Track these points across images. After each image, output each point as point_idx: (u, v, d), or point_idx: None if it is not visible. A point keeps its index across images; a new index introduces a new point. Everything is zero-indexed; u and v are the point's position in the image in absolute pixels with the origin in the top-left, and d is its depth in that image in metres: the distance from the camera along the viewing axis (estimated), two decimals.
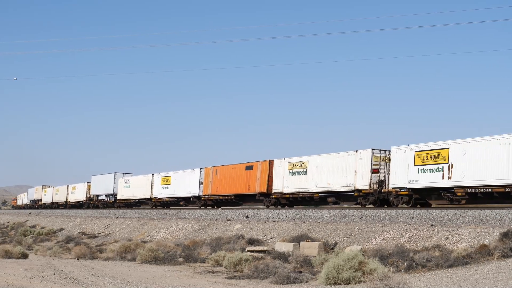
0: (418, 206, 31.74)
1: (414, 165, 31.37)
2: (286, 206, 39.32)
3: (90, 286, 15.42)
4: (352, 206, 34.91)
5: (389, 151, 33.75)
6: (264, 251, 22.72)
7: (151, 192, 57.32)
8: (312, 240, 23.23)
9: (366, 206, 33.68)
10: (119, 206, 62.63)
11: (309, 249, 21.79)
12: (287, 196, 39.81)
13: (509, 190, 26.91)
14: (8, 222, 67.02)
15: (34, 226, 53.79)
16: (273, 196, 40.82)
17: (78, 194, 75.54)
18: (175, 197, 53.41)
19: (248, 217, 33.49)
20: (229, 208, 44.08)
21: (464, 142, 29.48)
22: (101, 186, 67.86)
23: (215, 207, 48.42)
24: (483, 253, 16.27)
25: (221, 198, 47.21)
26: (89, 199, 71.25)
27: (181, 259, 22.62)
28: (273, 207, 38.00)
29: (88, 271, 18.76)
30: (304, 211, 32.51)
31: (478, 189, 28.24)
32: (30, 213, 76.02)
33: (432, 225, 21.61)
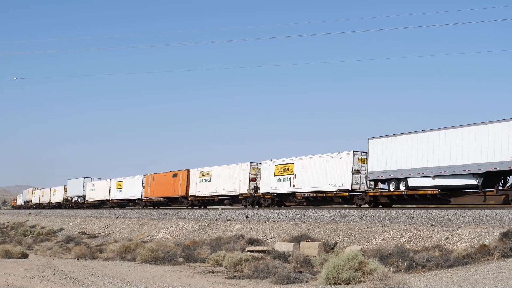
0: (276, 206, 41.21)
1: (274, 175, 41.28)
2: (202, 207, 48.84)
3: (90, 286, 15.42)
4: (351, 207, 35.35)
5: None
6: (264, 251, 22.72)
7: (109, 194, 66.97)
8: (312, 240, 23.23)
9: (247, 206, 43.20)
10: (87, 207, 71.90)
11: (309, 249, 21.78)
12: (198, 198, 50.33)
13: (326, 195, 37.19)
14: (8, 222, 67.00)
15: (34, 226, 53.78)
16: (189, 199, 51.15)
17: (58, 196, 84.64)
18: (125, 199, 63.60)
19: (248, 217, 33.50)
20: (229, 208, 44.29)
21: (303, 158, 39.50)
22: (74, 189, 77.47)
23: (155, 207, 57.71)
24: (483, 253, 16.26)
25: (155, 200, 57.29)
26: (66, 200, 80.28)
27: (181, 259, 22.62)
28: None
29: (88, 271, 18.75)
30: (304, 211, 32.52)
31: (309, 194, 38.25)
32: (30, 213, 76.05)
33: (432, 225, 21.61)
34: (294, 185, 39.54)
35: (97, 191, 70.53)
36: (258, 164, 43.62)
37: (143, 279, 17.02)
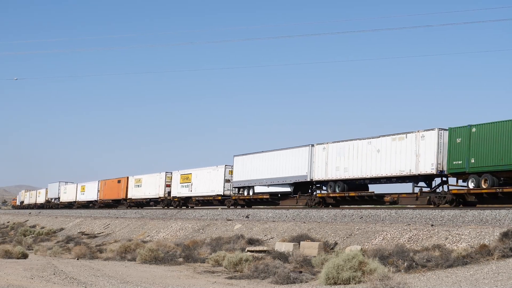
0: (183, 207, 52.51)
1: (180, 183, 54.41)
2: (138, 207, 58.85)
3: (90, 286, 15.42)
4: (352, 207, 35.33)
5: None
6: (264, 251, 22.72)
7: (76, 197, 79.28)
8: (312, 240, 23.23)
9: (163, 207, 55.91)
10: (60, 207, 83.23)
11: (309, 249, 21.78)
12: (133, 200, 63.28)
13: (209, 198, 49.98)
14: (8, 222, 66.99)
15: (34, 226, 53.77)
16: (127, 201, 63.96)
17: (41, 197, 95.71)
18: (86, 201, 76.14)
19: (248, 217, 33.51)
20: (229, 208, 44.50)
21: (197, 170, 52.37)
22: (52, 192, 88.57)
23: (107, 208, 67.47)
24: (483, 253, 16.26)
25: (106, 202, 69.61)
26: (47, 201, 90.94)
27: (181, 259, 22.62)
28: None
29: (88, 271, 18.76)
30: (304, 211, 32.53)
31: (200, 197, 51.37)
32: (30, 213, 76.17)
33: (432, 225, 21.61)
34: (191, 191, 52.71)
35: (68, 193, 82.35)
36: (171, 173, 56.69)
37: (143, 279, 17.02)
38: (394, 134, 32.78)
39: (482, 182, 28.01)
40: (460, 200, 29.36)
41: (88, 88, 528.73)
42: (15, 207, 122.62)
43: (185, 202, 54.08)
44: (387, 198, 32.71)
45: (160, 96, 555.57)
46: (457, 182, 29.91)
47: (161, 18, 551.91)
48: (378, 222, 24.90)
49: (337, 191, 36.01)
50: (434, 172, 30.18)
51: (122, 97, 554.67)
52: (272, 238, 26.05)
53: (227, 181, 47.85)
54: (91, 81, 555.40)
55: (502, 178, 27.65)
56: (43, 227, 51.23)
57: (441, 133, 30.33)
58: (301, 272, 17.26)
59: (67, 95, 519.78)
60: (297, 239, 23.37)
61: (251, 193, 44.15)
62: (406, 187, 32.39)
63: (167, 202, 56.32)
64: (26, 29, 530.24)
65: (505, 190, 26.83)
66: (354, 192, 35.23)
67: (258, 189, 43.22)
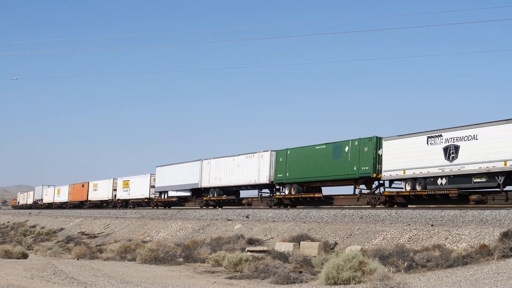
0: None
1: (122, 187, 67.06)
2: (95, 208, 68.07)
3: (90, 286, 15.42)
4: (352, 207, 35.36)
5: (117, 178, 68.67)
6: (264, 251, 22.72)
7: (53, 198, 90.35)
8: (312, 240, 23.23)
9: (113, 207, 67.14)
10: (43, 208, 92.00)
11: (309, 249, 21.78)
12: (92, 202, 75.28)
13: (140, 201, 63.15)
14: (8, 222, 67.01)
15: (34, 226, 53.78)
16: (88, 202, 76.09)
17: (30, 198, 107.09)
18: (60, 202, 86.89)
19: (248, 217, 33.51)
20: (229, 208, 44.50)
21: (133, 177, 65.15)
22: (38, 194, 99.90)
23: (75, 208, 78.78)
24: (483, 253, 16.26)
25: (74, 203, 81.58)
26: (34, 202, 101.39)
27: (181, 259, 22.62)
28: (276, 207, 41.70)
29: (88, 271, 18.76)
30: (304, 211, 32.53)
31: (134, 200, 64.20)
32: (30, 213, 76.24)
33: (432, 225, 21.62)
34: (129, 194, 65.54)
35: (48, 195, 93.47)
36: (117, 180, 68.69)
37: (143, 279, 17.02)
38: (247, 153, 44.19)
39: (292, 190, 39.50)
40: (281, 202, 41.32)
41: (88, 88, 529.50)
42: (15, 207, 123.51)
43: (126, 203, 66.61)
44: (244, 201, 45.43)
45: (158, 96, 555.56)
46: (281, 189, 41.21)
47: (160, 18, 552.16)
48: (378, 222, 24.90)
49: (215, 195, 48.19)
50: (268, 182, 41.67)
51: (122, 97, 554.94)
52: (272, 238, 26.06)
53: (152, 186, 60.31)
54: (91, 81, 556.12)
55: (304, 187, 39.26)
56: (43, 227, 51.23)
57: (273, 153, 41.72)
58: (301, 272, 17.26)
59: (67, 95, 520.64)
60: (297, 239, 23.38)
61: (166, 197, 56.80)
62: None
63: (114, 203, 68.67)
64: (26, 29, 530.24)
65: (303, 195, 38.88)
66: (225, 196, 47.35)
67: (170, 193, 55.66)
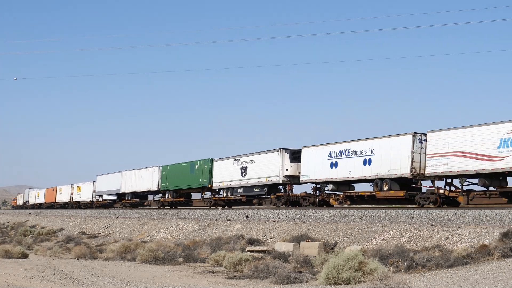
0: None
1: (76, 192, 79.20)
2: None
3: (90, 286, 15.43)
4: (352, 207, 35.34)
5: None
6: (264, 251, 22.71)
7: (35, 200, 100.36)
8: (312, 240, 23.22)
9: (71, 208, 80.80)
10: (28, 208, 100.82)
11: (309, 249, 21.77)
12: (58, 203, 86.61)
13: (87, 202, 77.17)
14: (8, 222, 66.97)
15: (34, 226, 53.74)
16: (55, 203, 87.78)
17: (20, 200, 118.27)
18: (39, 203, 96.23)
19: (248, 217, 33.49)
20: (229, 208, 44.52)
21: (82, 183, 78.49)
22: (26, 196, 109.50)
23: (49, 208, 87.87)
24: (483, 253, 16.26)
25: (48, 204, 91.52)
26: (24, 203, 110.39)
27: (181, 259, 22.61)
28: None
29: (88, 271, 18.76)
30: (304, 211, 32.52)
31: (84, 202, 77.40)
32: (30, 213, 76.20)
33: (432, 225, 21.61)
34: (80, 197, 79.17)
35: (32, 197, 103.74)
36: (75, 185, 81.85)
37: (143, 279, 17.03)
38: (146, 167, 59.03)
39: (170, 195, 54.40)
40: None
41: (88, 88, 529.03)
42: (15, 207, 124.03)
43: (79, 204, 79.60)
44: (145, 203, 62.19)
45: (160, 96, 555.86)
46: (165, 196, 55.69)
47: (161, 18, 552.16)
48: (378, 222, 24.89)
49: (129, 199, 63.92)
50: (157, 189, 56.64)
51: (122, 97, 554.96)
52: (272, 238, 26.05)
53: (94, 191, 74.08)
54: (91, 81, 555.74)
55: (178, 193, 53.83)
56: (43, 227, 51.20)
57: (160, 168, 56.22)
58: (301, 272, 17.25)
59: (67, 95, 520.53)
60: (297, 239, 23.36)
61: (102, 199, 72.83)
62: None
63: (71, 204, 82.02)
64: (26, 29, 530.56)
65: (174, 199, 53.98)
66: (135, 200, 63.23)
67: (105, 197, 71.81)
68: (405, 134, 32.05)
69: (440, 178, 30.87)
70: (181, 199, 53.16)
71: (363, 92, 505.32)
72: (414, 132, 31.57)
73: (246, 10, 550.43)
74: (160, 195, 57.07)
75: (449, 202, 30.62)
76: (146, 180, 57.99)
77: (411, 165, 31.13)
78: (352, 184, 36.74)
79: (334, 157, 36.24)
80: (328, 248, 22.20)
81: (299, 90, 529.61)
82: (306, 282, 16.03)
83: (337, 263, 14.93)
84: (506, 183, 28.66)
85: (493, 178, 28.55)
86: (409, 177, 31.53)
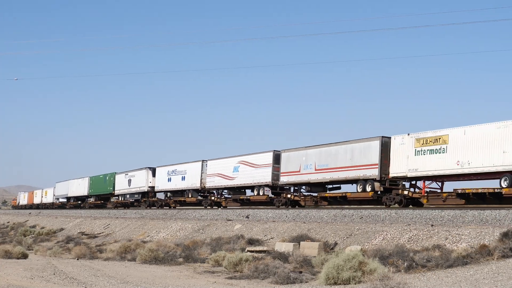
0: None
1: (44, 195, 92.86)
2: (39, 208, 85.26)
3: (90, 286, 15.43)
4: (352, 207, 35.36)
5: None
6: (264, 251, 22.71)
7: (24, 201, 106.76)
8: (312, 240, 23.22)
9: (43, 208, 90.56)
10: (20, 208, 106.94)
11: (309, 249, 21.77)
12: (35, 204, 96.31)
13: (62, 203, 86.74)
14: (8, 222, 66.97)
15: (34, 226, 53.74)
16: (33, 205, 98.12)
17: (16, 201, 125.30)
18: (24, 204, 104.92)
19: (248, 217, 33.48)
20: (229, 208, 44.40)
21: (47, 188, 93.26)
22: (19, 198, 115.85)
23: (31, 209, 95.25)
24: (483, 253, 16.26)
25: (29, 205, 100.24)
26: (17, 204, 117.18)
27: (181, 259, 22.61)
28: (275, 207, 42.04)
29: (88, 271, 18.77)
30: (304, 211, 32.51)
31: (60, 203, 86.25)
32: (30, 213, 76.20)
33: (432, 225, 21.60)
34: (46, 199, 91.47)
35: (22, 199, 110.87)
36: (44, 189, 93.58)
37: (143, 279, 17.02)
38: (81, 177, 75.07)
39: (94, 199, 71.08)
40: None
41: (88, 88, 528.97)
42: (15, 207, 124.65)
43: (45, 206, 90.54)
44: (82, 204, 74.90)
45: (160, 96, 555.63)
46: (91, 200, 72.95)
47: (160, 18, 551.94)
48: (378, 222, 24.89)
49: (73, 201, 78.01)
50: (87, 194, 72.67)
51: (121, 97, 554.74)
52: (272, 238, 26.05)
53: (54, 195, 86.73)
54: (91, 81, 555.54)
55: (98, 197, 70.90)
56: (43, 227, 51.20)
57: (89, 178, 71.60)
58: (301, 272, 17.26)
59: (67, 95, 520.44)
60: (297, 239, 23.37)
61: (58, 201, 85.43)
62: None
63: (42, 206, 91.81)
64: (26, 29, 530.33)
65: (97, 202, 71.74)
66: (76, 202, 77.68)
67: (60, 199, 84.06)
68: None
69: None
70: (100, 202, 70.85)
71: (363, 93, 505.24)
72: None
73: (246, 10, 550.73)
74: (90, 198, 73.40)
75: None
76: (82, 187, 74.09)
77: None
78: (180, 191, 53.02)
79: (170, 174, 53.74)
80: (328, 248, 22.20)
81: (299, 90, 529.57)
82: (306, 282, 16.03)
83: (337, 263, 14.93)
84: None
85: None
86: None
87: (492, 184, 28.27)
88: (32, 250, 31.26)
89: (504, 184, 26.59)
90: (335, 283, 14.66)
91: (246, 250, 22.81)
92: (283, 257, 20.15)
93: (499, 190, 26.94)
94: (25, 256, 24.82)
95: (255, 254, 21.63)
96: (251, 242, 25.44)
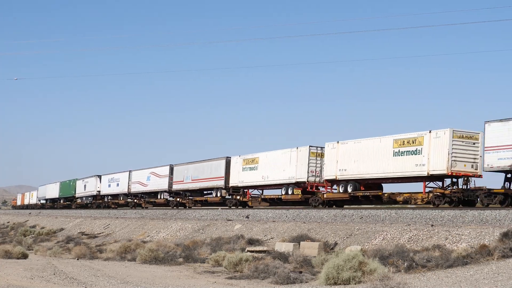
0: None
1: (31, 197, 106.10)
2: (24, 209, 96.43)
3: (90, 286, 15.43)
4: (352, 207, 35.44)
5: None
6: (264, 251, 22.71)
7: (19, 202, 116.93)
8: (312, 240, 23.22)
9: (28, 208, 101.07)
10: (18, 209, 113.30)
11: (309, 249, 21.77)
12: (25, 205, 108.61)
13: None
14: (8, 222, 66.97)
15: (34, 226, 53.73)
16: (21, 205, 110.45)
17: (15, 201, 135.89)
18: (19, 205, 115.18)
19: (248, 217, 33.49)
20: (229, 208, 44.53)
21: (27, 192, 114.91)
22: (16, 198, 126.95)
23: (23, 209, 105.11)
24: (483, 253, 16.26)
25: (20, 206, 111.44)
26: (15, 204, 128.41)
27: (181, 259, 22.61)
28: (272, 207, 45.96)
29: (88, 271, 18.77)
30: (304, 211, 32.52)
31: (30, 204, 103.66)
32: (30, 213, 76.22)
33: (432, 225, 21.60)
34: (29, 201, 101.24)
35: (17, 200, 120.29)
36: (30, 193, 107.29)
37: (143, 279, 17.03)
38: (53, 182, 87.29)
39: (62, 201, 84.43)
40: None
41: (88, 88, 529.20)
42: (15, 207, 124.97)
43: (27, 207, 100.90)
44: (55, 205, 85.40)
45: (159, 96, 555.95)
46: (61, 201, 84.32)
47: (160, 18, 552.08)
48: (378, 222, 24.89)
49: (49, 202, 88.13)
50: (58, 196, 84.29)
51: (121, 97, 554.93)
52: (272, 238, 26.05)
53: (37, 197, 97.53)
54: (91, 81, 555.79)
55: (66, 199, 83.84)
56: (43, 227, 51.19)
57: (59, 183, 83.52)
58: (301, 272, 17.26)
59: (67, 95, 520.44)
60: (297, 239, 23.36)
61: (39, 202, 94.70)
62: None
63: (32, 206, 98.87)
64: (26, 29, 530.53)
65: (65, 203, 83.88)
66: (50, 203, 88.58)
67: (42, 201, 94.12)
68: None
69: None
70: (67, 203, 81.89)
71: (364, 92, 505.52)
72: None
73: (247, 10, 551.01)
74: (61, 200, 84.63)
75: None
76: (55, 190, 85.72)
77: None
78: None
79: (110, 181, 67.74)
80: (328, 248, 22.20)
81: (299, 90, 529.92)
82: (306, 282, 16.03)
83: (337, 263, 14.93)
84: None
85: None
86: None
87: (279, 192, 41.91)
88: (32, 250, 31.26)
89: (283, 192, 40.37)
90: (335, 283, 14.66)
91: (246, 250, 22.80)
92: (283, 257, 20.15)
93: (280, 196, 40.80)
94: (25, 256, 24.82)
95: (255, 254, 21.63)
96: (251, 242, 25.43)
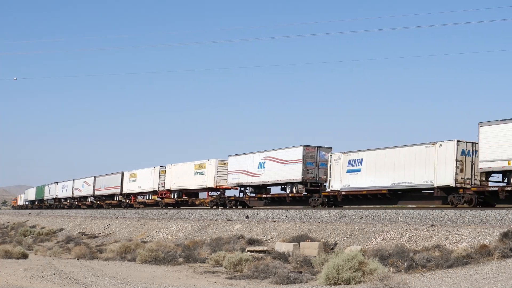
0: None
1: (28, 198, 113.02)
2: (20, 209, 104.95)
3: (90, 286, 15.43)
4: (352, 207, 35.34)
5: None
6: (264, 251, 22.71)
7: (18, 203, 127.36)
8: (312, 240, 23.23)
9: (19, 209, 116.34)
10: (17, 209, 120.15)
11: (309, 249, 21.78)
12: (20, 205, 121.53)
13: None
14: (8, 222, 66.97)
15: (34, 226, 53.72)
16: (15, 206, 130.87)
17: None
18: (18, 205, 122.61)
19: (248, 217, 33.49)
20: (229, 209, 44.51)
21: (21, 194, 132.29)
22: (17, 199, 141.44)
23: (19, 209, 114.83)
24: (483, 253, 16.26)
25: (18, 205, 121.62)
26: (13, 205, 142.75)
27: (181, 259, 22.61)
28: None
29: (88, 271, 18.77)
30: (304, 211, 32.53)
31: (22, 205, 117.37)
32: (30, 213, 76.25)
33: (432, 225, 21.61)
34: (23, 202, 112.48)
35: (17, 200, 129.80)
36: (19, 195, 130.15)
37: (143, 279, 17.03)
38: (34, 187, 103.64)
39: (37, 202, 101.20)
40: None
41: (88, 88, 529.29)
42: (15, 207, 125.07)
43: (20, 207, 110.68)
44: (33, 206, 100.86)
45: (160, 96, 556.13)
46: (36, 203, 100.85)
47: (160, 18, 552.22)
48: (378, 222, 24.89)
49: (30, 204, 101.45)
50: (35, 199, 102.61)
51: (121, 97, 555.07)
52: (272, 238, 26.05)
53: (25, 199, 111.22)
54: (91, 81, 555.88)
55: (40, 201, 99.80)
56: (43, 227, 51.18)
57: (36, 188, 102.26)
58: (301, 272, 17.26)
59: (67, 95, 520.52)
60: (297, 239, 23.36)
61: (25, 204, 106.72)
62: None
63: (21, 207, 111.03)
64: (26, 29, 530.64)
65: (39, 204, 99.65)
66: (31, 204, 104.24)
67: (27, 202, 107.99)
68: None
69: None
70: (40, 204, 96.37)
71: (364, 92, 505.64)
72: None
73: (246, 10, 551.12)
74: (36, 202, 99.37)
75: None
76: (33, 194, 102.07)
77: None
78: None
79: (62, 187, 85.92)
80: (328, 248, 22.20)
81: (299, 90, 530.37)
82: (306, 282, 16.03)
83: (337, 263, 14.93)
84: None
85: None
86: None
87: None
88: (32, 250, 31.25)
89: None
90: (335, 283, 14.66)
91: (246, 250, 22.81)
92: (283, 257, 20.15)
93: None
94: (25, 256, 24.82)
95: (255, 254, 21.63)
96: (251, 242, 25.44)
